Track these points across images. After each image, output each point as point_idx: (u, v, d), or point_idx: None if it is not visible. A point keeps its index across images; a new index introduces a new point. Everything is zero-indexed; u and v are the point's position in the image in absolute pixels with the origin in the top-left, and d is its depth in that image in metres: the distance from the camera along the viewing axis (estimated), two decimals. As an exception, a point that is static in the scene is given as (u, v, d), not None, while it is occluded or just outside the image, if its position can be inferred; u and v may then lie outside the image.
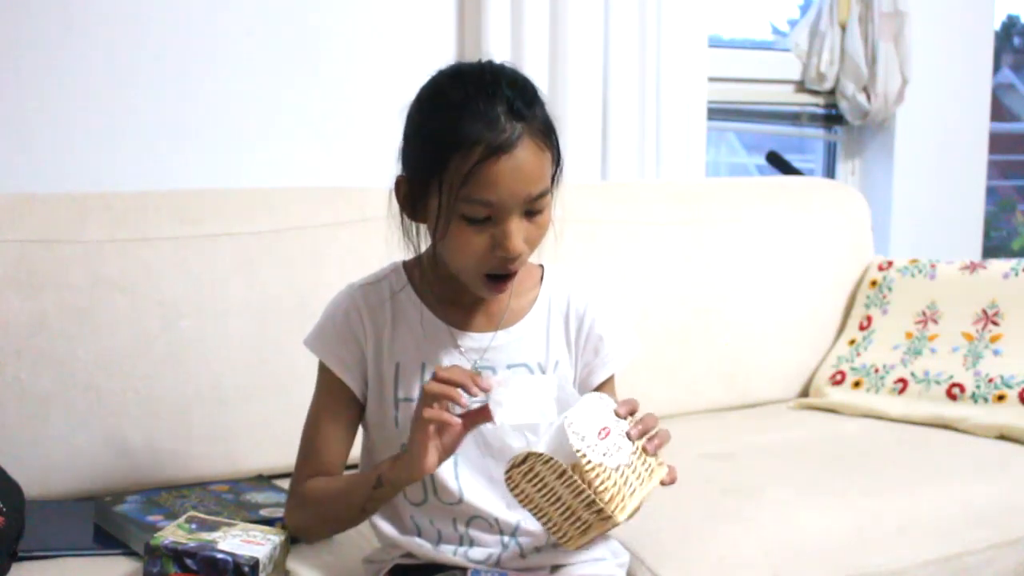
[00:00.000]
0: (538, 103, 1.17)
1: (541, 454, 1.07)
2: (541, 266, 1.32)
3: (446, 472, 1.23)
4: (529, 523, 1.24)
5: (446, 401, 1.11)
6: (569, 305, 1.30)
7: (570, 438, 1.06)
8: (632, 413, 1.14)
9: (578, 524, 1.09)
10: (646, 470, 1.11)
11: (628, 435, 1.11)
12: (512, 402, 1.11)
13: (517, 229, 1.15)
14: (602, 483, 1.06)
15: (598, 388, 1.30)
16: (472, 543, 1.25)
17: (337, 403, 1.28)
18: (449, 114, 1.14)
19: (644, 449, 1.12)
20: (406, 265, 1.31)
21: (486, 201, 1.13)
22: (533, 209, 1.16)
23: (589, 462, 1.06)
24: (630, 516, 1.08)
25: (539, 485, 1.08)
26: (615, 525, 1.08)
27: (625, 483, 1.08)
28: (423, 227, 1.24)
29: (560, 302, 1.30)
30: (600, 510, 1.06)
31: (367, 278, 1.31)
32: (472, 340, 1.26)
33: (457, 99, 1.15)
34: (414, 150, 1.20)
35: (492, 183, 1.12)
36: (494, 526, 1.25)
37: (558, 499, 1.08)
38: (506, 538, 1.25)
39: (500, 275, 1.19)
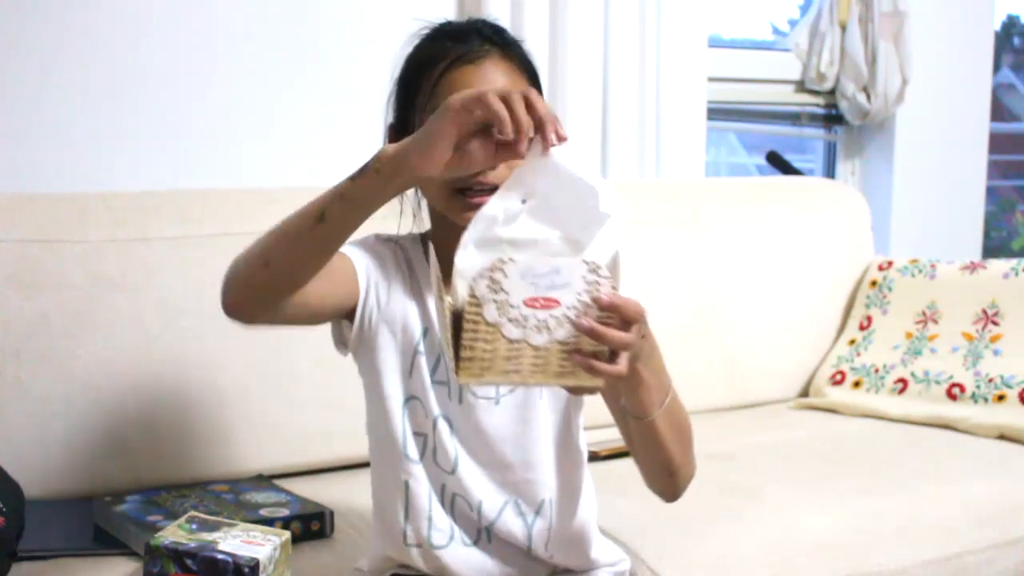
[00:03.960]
0: (516, 44, 1.20)
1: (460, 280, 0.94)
2: None
3: (445, 436, 1.21)
4: (506, 524, 1.23)
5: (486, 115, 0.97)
6: None
7: (461, 284, 0.93)
8: (615, 310, 0.96)
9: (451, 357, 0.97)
10: (562, 368, 0.95)
11: (578, 324, 0.95)
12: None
13: None
14: (472, 341, 0.93)
15: None
16: (462, 538, 1.24)
17: (343, 267, 1.18)
18: (423, 45, 1.20)
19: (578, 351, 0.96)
20: (423, 236, 1.29)
21: None
22: None
23: (476, 314, 0.92)
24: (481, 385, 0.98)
25: (443, 305, 0.97)
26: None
27: (508, 358, 0.94)
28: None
29: None
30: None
31: (388, 235, 1.28)
32: None
33: (433, 33, 1.20)
34: (396, 86, 1.23)
35: (456, 88, 1.11)
36: (473, 510, 1.23)
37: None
38: (483, 524, 1.24)
39: (473, 190, 1.13)
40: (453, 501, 1.24)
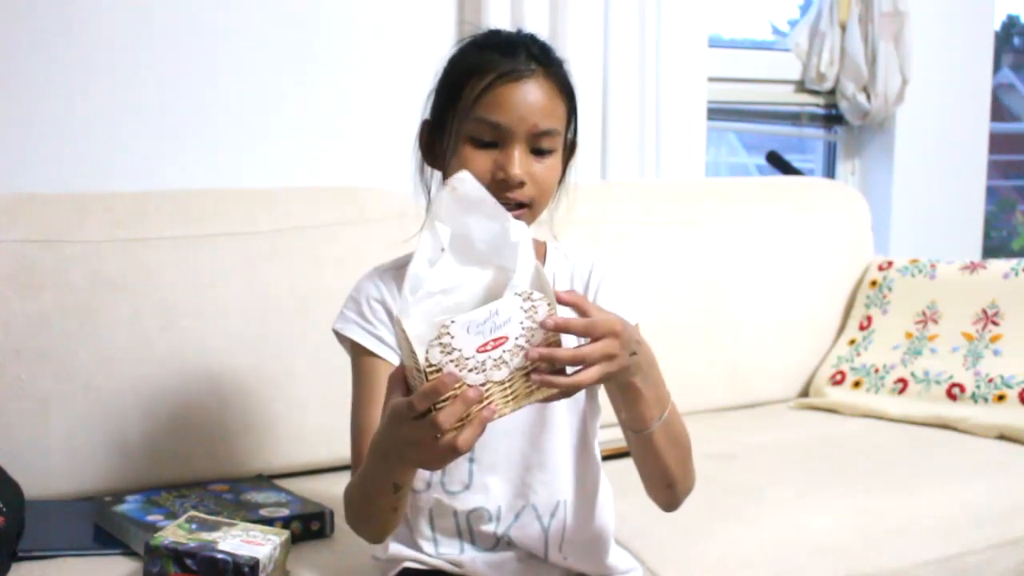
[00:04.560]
0: (560, 63, 1.22)
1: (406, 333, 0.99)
2: (545, 243, 1.31)
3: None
4: (523, 529, 1.24)
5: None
6: (573, 272, 1.28)
7: (419, 350, 0.97)
8: (561, 331, 1.00)
9: None
10: (530, 388, 1.01)
11: (531, 358, 0.99)
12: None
13: (521, 157, 1.17)
14: (443, 405, 0.97)
15: None
16: (473, 541, 1.25)
17: (382, 386, 1.19)
18: (472, 52, 1.22)
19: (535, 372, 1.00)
20: None
21: (492, 122, 1.16)
22: (540, 147, 1.18)
23: (434, 369, 0.97)
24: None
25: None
26: None
27: (481, 402, 0.99)
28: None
29: (565, 273, 1.28)
30: None
31: (391, 262, 1.30)
32: None
33: (481, 42, 1.23)
34: (437, 90, 1.24)
35: (499, 105, 1.16)
36: (491, 520, 1.23)
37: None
38: (500, 530, 1.24)
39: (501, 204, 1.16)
40: (468, 518, 1.24)
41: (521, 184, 1.17)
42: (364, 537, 1.22)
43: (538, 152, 1.18)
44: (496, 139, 1.17)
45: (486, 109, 1.17)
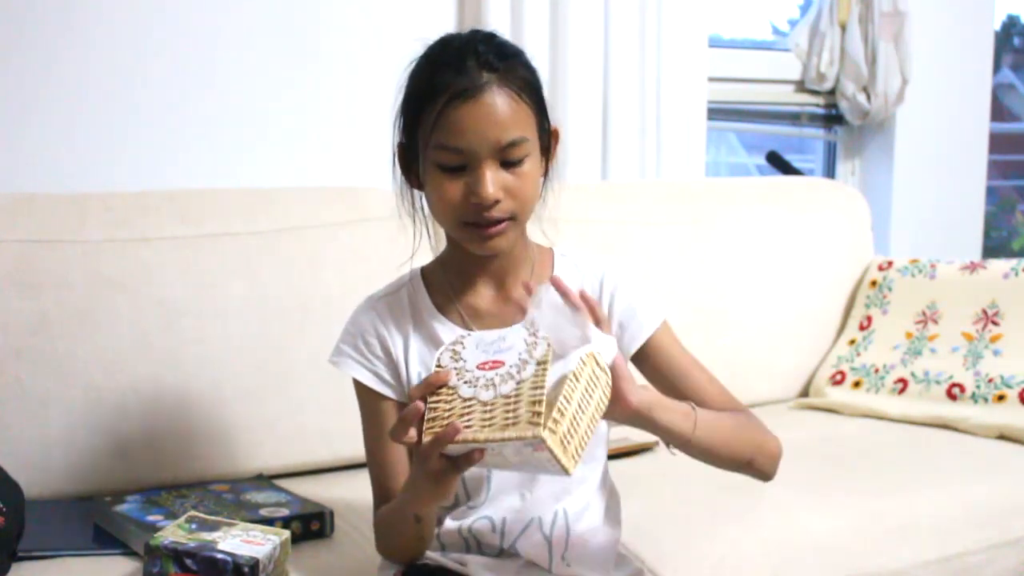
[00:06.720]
0: (515, 60, 1.18)
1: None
2: (552, 251, 1.30)
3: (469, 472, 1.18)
4: (528, 539, 1.24)
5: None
6: (583, 283, 1.25)
7: (437, 359, 1.11)
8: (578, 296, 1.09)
9: None
10: (506, 420, 1.04)
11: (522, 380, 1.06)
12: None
13: (490, 176, 1.14)
14: (435, 403, 1.08)
15: (635, 357, 1.32)
16: (480, 550, 1.24)
17: (387, 422, 1.23)
18: (424, 70, 1.18)
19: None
20: (424, 271, 1.30)
21: (454, 147, 1.14)
22: (508, 159, 1.15)
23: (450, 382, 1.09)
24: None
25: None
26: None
27: (462, 415, 1.06)
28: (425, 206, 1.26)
29: (575, 285, 1.23)
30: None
31: (385, 289, 1.30)
32: None
33: (433, 56, 1.19)
34: (401, 111, 1.23)
35: (458, 128, 1.13)
36: (496, 531, 1.23)
37: None
38: (506, 544, 1.24)
39: (482, 224, 1.17)
40: (471, 530, 1.24)
41: (496, 202, 1.15)
42: (394, 562, 1.26)
43: (509, 163, 1.16)
44: (463, 162, 1.15)
45: (445, 135, 1.14)
